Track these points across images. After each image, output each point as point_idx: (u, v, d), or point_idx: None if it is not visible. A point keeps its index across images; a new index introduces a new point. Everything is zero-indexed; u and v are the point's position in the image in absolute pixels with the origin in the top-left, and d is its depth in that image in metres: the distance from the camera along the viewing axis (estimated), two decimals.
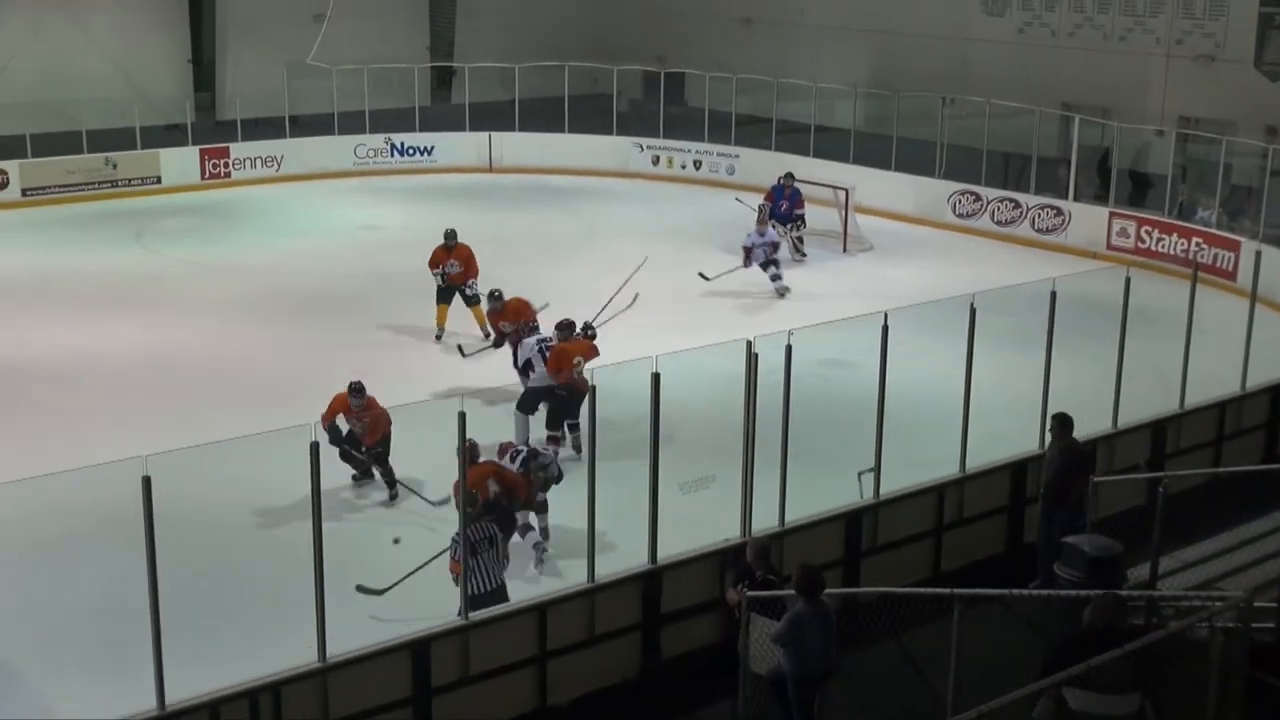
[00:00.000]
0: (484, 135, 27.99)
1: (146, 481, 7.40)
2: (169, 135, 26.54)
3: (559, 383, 13.08)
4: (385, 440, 12.26)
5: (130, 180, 25.49)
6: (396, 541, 11.04)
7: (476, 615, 9.01)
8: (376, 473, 12.39)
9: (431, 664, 8.77)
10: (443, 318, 17.01)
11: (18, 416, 14.37)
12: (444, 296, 16.95)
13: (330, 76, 27.23)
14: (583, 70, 28.93)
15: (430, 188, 26.49)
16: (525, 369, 13.54)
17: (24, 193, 24.58)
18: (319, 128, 27.46)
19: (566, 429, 13.22)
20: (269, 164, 26.92)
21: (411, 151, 27.92)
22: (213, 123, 29.08)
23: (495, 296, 14.92)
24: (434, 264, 16.93)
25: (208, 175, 26.34)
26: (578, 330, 13.64)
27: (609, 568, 9.58)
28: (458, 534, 9.22)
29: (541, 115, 27.92)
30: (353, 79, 27.43)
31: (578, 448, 12.89)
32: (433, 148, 27.97)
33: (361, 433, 12.28)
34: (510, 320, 14.54)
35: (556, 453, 12.20)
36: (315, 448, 8.00)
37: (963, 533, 11.48)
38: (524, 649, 9.26)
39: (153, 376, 15.69)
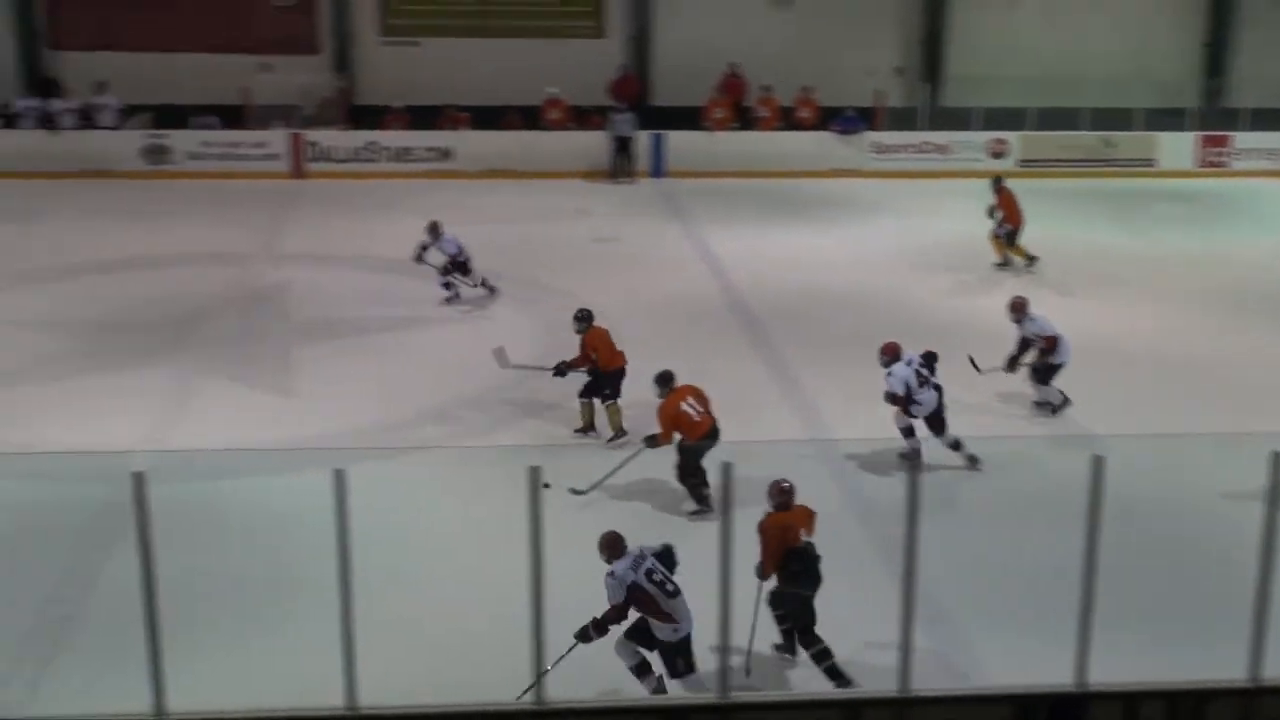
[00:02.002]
0: None
1: None
2: (1169, 119, 26.12)
3: None
4: None
5: (1125, 161, 25.51)
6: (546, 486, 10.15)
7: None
8: None
9: None
10: None
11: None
12: None
13: None
14: None
15: None
16: None
17: (1021, 163, 25.49)
18: None
19: None
20: (1275, 157, 25.61)
21: None
22: (1218, 109, 28.14)
23: None
24: None
25: (1204, 163, 25.64)
26: None
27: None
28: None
29: None
30: None
31: None
32: None
33: None
34: None
35: None
36: None
37: None
38: None
39: (1108, 360, 15.54)
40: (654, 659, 8.45)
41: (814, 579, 8.81)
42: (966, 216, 20.06)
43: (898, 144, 25.66)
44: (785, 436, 12.83)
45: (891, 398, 12.01)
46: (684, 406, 11.32)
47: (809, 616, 8.80)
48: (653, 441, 11.44)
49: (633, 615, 8.33)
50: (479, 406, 13.65)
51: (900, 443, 12.25)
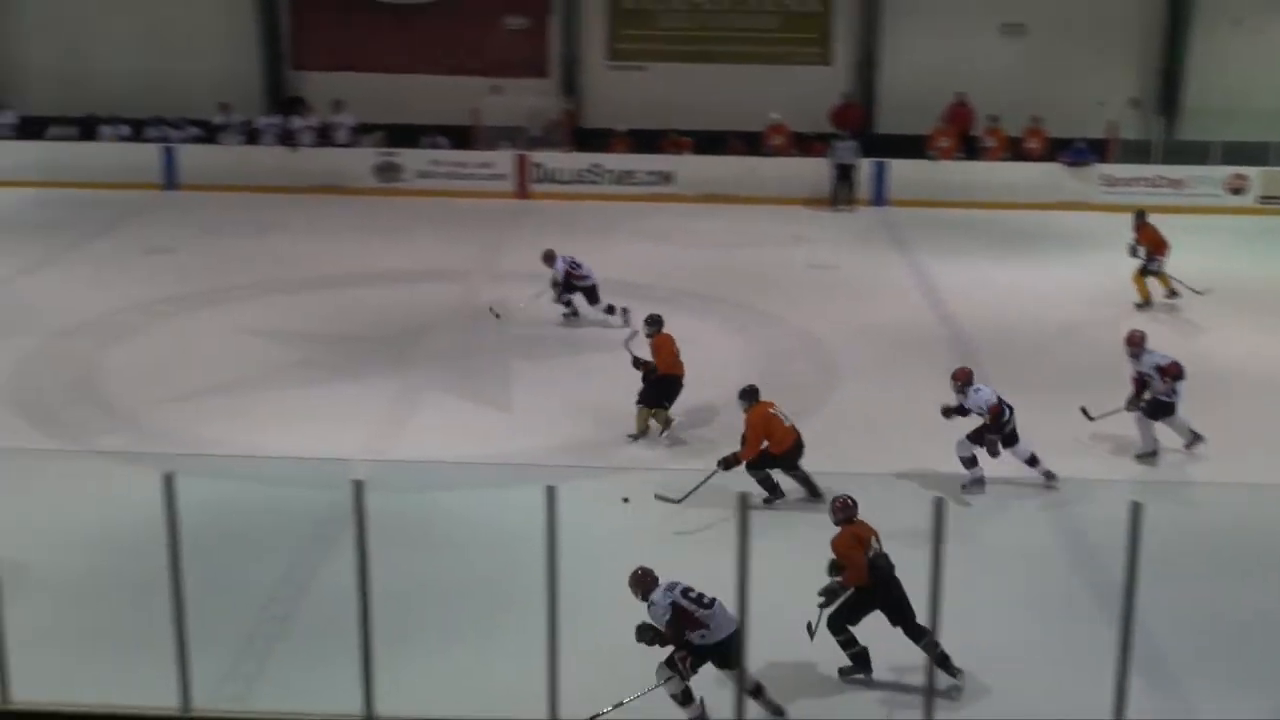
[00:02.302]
0: None
1: None
2: None
3: None
4: None
5: None
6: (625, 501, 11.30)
7: None
8: None
9: None
10: None
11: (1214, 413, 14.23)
12: None
13: None
14: None
15: None
16: None
17: (1261, 200, 24.44)
18: None
19: None
20: None
21: None
22: None
23: None
24: None
25: None
26: None
27: None
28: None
29: None
30: None
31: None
32: None
33: None
34: None
35: None
36: None
37: None
38: None
39: None
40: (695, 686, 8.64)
41: (892, 583, 9.08)
42: (1198, 254, 19.33)
43: (1129, 177, 24.85)
44: (996, 473, 12.54)
45: (972, 424, 12.27)
46: (773, 413, 11.84)
47: (906, 613, 9.03)
48: (728, 463, 11.79)
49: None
50: (686, 427, 13.68)
51: (963, 473, 12.30)
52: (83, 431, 13.77)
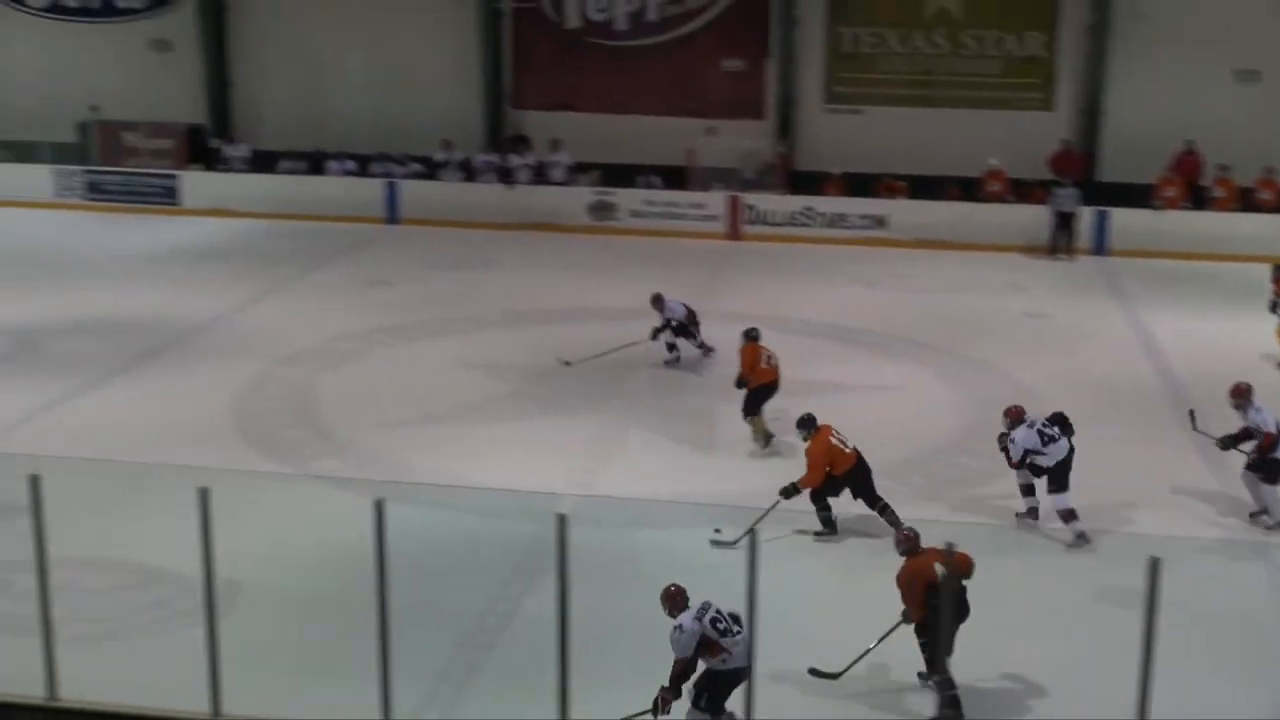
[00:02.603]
0: None
1: None
2: None
3: None
4: None
5: None
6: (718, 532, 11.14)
7: None
8: None
9: None
10: None
11: None
12: None
13: None
14: None
15: None
16: None
17: None
18: None
19: None
20: None
21: None
22: None
23: None
24: None
25: None
26: None
27: None
28: None
29: None
30: None
31: None
32: None
33: None
34: None
35: None
36: None
37: None
38: None
39: None
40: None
41: (957, 612, 8.91)
42: None
43: None
44: (1214, 533, 12.02)
45: (1010, 461, 12.13)
46: (833, 440, 11.98)
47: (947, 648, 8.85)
48: (789, 492, 11.87)
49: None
50: (895, 475, 13.44)
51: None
52: (299, 455, 14.21)
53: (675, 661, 8.47)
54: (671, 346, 17.37)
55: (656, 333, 17.25)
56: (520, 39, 27.99)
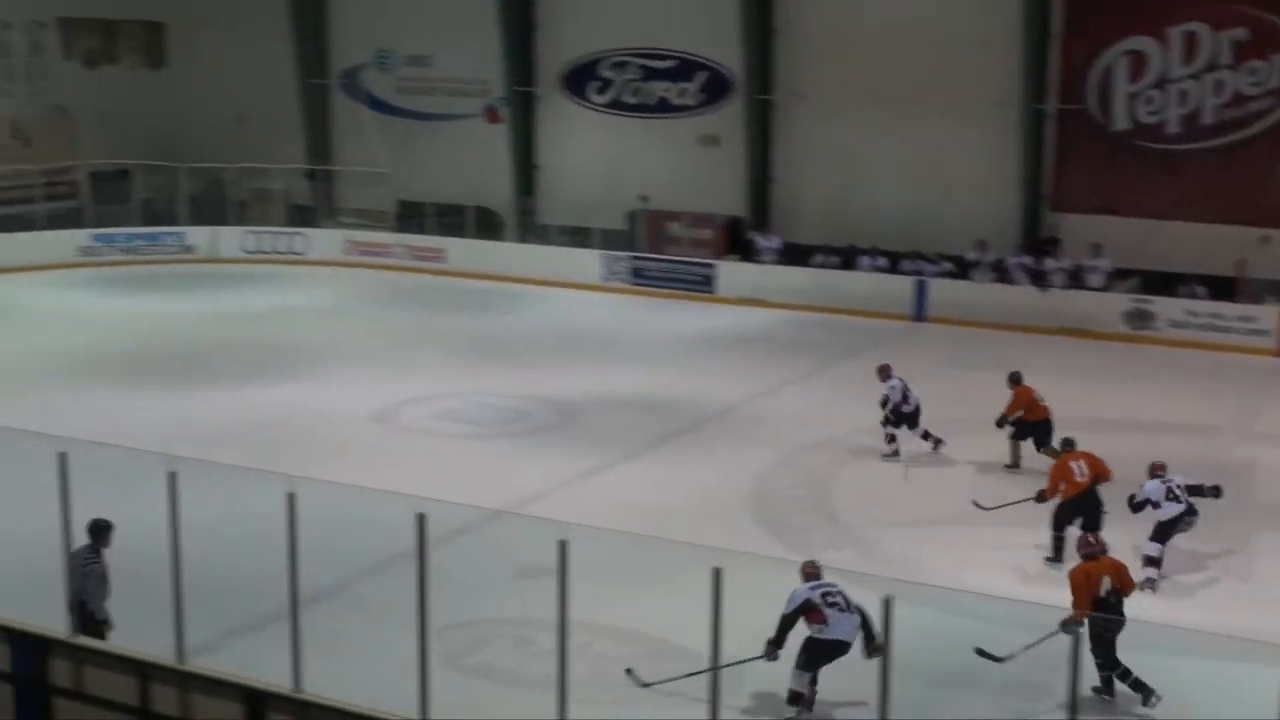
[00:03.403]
0: None
1: None
2: None
3: None
4: None
5: None
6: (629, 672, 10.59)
7: None
8: None
9: None
10: None
11: None
12: None
13: None
14: None
15: None
16: None
17: None
18: None
19: None
20: None
21: None
22: None
23: None
24: None
25: None
26: None
27: None
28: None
29: None
30: None
31: None
32: None
33: None
34: None
35: None
36: None
37: None
38: None
39: None
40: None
41: (1115, 623, 10.23)
42: None
43: None
44: None
45: (1132, 504, 13.20)
46: (1071, 465, 13.54)
47: (1110, 653, 10.33)
48: (1041, 498, 13.90)
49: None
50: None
51: None
52: (808, 543, 14.30)
53: (780, 617, 9.98)
54: (891, 438, 17.08)
55: (886, 416, 17.20)
56: (1064, 140, 27.32)
